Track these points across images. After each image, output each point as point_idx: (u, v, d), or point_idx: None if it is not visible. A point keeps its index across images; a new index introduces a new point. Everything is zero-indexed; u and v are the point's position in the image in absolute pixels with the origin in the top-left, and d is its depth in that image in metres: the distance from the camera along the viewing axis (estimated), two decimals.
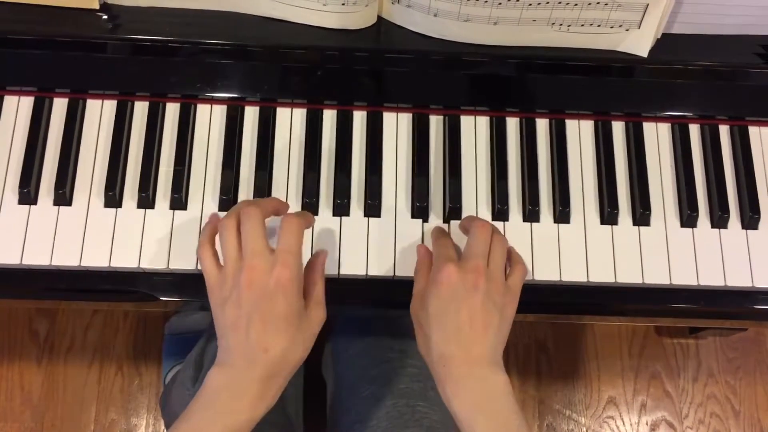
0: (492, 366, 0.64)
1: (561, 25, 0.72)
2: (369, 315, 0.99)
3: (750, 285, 0.74)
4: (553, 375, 1.41)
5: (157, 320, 1.38)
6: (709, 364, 1.43)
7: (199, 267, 0.71)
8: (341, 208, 0.75)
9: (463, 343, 0.63)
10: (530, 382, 1.40)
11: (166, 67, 0.76)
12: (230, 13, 0.75)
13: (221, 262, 0.65)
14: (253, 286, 0.61)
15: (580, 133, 0.79)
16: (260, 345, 0.61)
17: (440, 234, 0.73)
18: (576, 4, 0.70)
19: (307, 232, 0.74)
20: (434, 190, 0.76)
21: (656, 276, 0.74)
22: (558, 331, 1.43)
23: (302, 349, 0.64)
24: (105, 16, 0.74)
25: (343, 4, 0.71)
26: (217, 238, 0.66)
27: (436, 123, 0.79)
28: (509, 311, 0.67)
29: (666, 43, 0.75)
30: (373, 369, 0.90)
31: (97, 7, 0.74)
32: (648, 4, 0.70)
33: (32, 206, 0.73)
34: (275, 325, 0.61)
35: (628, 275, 0.74)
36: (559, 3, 0.70)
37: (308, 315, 0.65)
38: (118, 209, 0.74)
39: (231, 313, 0.62)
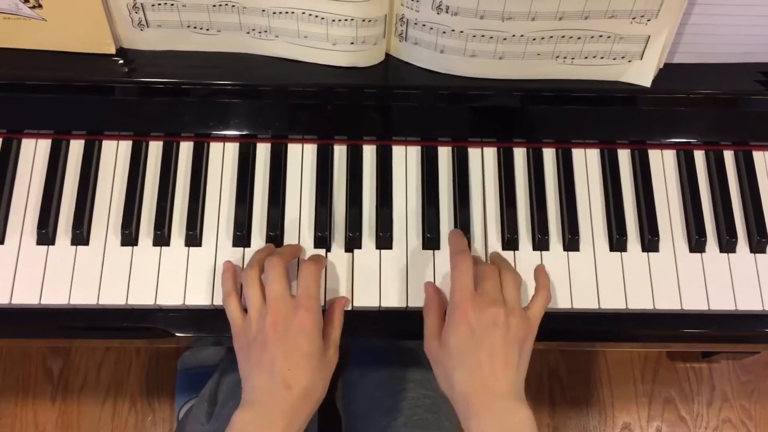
0: (515, 401, 0.64)
1: (565, 58, 0.74)
2: (382, 346, 0.99)
3: (761, 308, 0.75)
4: (567, 402, 1.41)
5: (170, 356, 1.38)
6: (723, 388, 1.42)
7: (216, 303, 0.73)
8: (353, 241, 0.76)
9: (485, 380, 0.64)
10: (544, 410, 1.40)
11: (180, 108, 0.78)
12: (242, 54, 0.77)
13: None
14: (278, 328, 0.65)
15: (587, 161, 0.80)
16: (284, 383, 0.64)
17: (459, 252, 0.70)
18: (579, 38, 0.71)
19: None
20: (445, 221, 0.77)
21: (667, 302, 0.75)
22: (570, 358, 1.43)
23: (322, 386, 0.67)
24: (121, 61, 0.76)
25: (352, 44, 0.73)
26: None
27: (444, 155, 0.80)
28: (528, 343, 0.68)
29: (668, 72, 0.76)
30: (387, 400, 0.90)
31: (114, 51, 0.76)
32: (649, 36, 0.71)
33: (50, 246, 0.75)
34: (298, 364, 0.65)
35: (639, 301, 0.75)
36: (563, 37, 0.71)
37: (326, 355, 0.68)
38: (135, 247, 0.75)
39: (256, 355, 0.65)
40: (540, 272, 0.74)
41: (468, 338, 0.64)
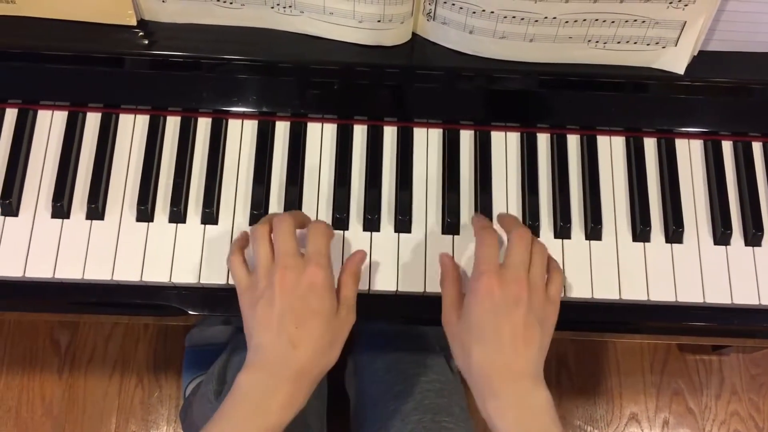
0: (534, 381, 0.62)
1: (597, 42, 0.72)
2: (393, 330, 0.98)
3: None
4: (574, 391, 1.40)
5: (178, 332, 1.38)
6: (732, 381, 1.41)
7: (231, 282, 0.72)
8: (372, 224, 0.75)
9: (505, 358, 0.62)
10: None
11: (199, 83, 0.76)
12: (265, 30, 0.75)
13: (250, 270, 0.67)
14: (287, 285, 0.62)
15: (612, 149, 0.79)
16: (291, 342, 0.61)
17: (484, 227, 0.69)
18: (613, 22, 0.70)
19: (337, 247, 0.74)
20: (465, 206, 0.76)
21: (689, 294, 0.74)
22: (579, 346, 1.42)
23: (331, 350, 0.64)
24: (141, 33, 0.75)
25: (379, 21, 0.71)
26: (247, 249, 0.68)
27: (466, 138, 0.78)
28: (550, 323, 0.66)
29: (701, 60, 0.74)
30: (397, 384, 0.89)
31: (135, 23, 0.74)
32: (685, 22, 0.70)
33: (65, 220, 0.74)
34: (306, 323, 0.62)
35: (661, 293, 0.74)
36: (596, 20, 0.69)
37: (338, 316, 0.65)
38: (150, 223, 0.74)
39: (263, 312, 0.63)
40: (549, 258, 0.71)
41: (491, 313, 0.63)
